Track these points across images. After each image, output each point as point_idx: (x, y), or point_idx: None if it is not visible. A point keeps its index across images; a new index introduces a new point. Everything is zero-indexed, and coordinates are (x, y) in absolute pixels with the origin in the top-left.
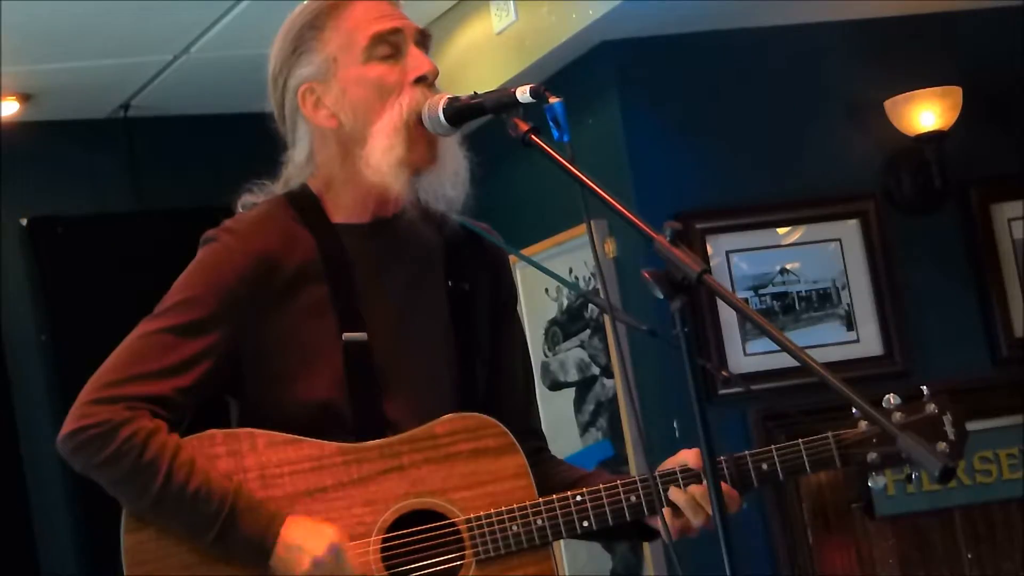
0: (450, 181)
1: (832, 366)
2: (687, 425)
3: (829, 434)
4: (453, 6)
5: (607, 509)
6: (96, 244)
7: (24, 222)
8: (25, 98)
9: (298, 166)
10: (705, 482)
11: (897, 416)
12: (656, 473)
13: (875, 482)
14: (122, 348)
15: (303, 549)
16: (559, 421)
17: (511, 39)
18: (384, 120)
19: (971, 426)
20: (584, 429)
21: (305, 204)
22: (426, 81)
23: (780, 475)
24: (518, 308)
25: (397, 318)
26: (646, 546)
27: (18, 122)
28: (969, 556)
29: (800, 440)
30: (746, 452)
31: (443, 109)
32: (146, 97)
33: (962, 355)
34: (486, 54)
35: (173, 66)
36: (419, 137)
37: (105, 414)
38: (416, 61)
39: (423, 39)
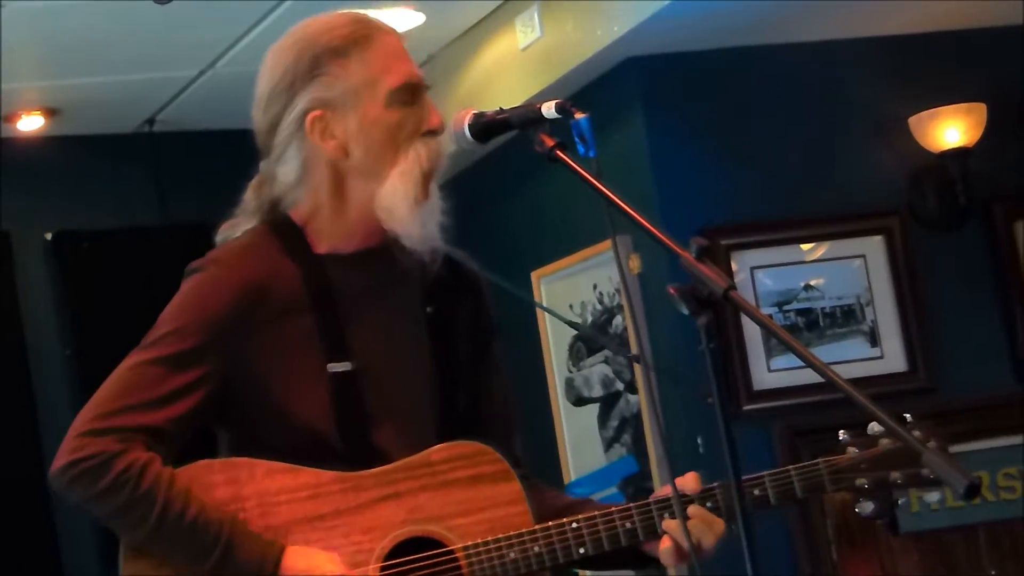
0: (436, 217)
1: (856, 382)
2: (711, 441)
3: (820, 461)
4: (479, 22)
5: (603, 535)
6: (121, 259)
7: (49, 236)
8: (51, 113)
9: (287, 186)
10: (696, 506)
11: (884, 442)
12: (652, 500)
13: (862, 508)
14: (112, 380)
15: (307, 571)
16: (583, 437)
17: (536, 55)
18: (401, 166)
19: (995, 443)
20: (608, 445)
21: (289, 235)
22: (436, 135)
23: (772, 500)
24: (539, 327)
25: (382, 348)
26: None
27: (44, 137)
28: (993, 573)
29: (790, 467)
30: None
31: (469, 125)
32: (171, 112)
33: (986, 371)
34: (511, 70)
35: (199, 81)
36: (427, 182)
37: (98, 446)
38: (430, 114)
39: (426, 89)
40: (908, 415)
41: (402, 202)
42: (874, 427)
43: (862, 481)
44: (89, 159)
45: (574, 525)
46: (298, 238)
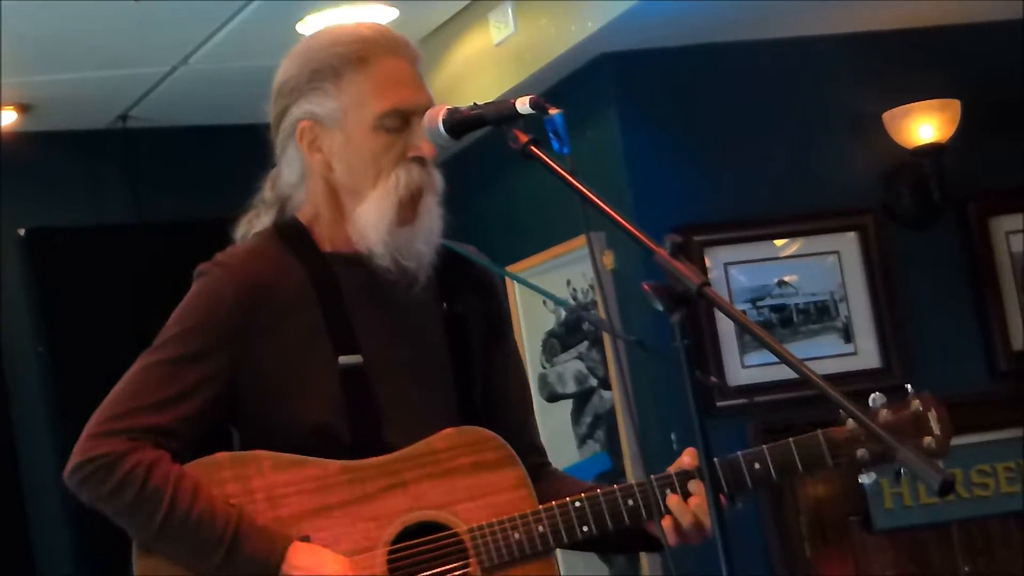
0: (422, 238)
1: (830, 379)
2: (685, 437)
3: (819, 432)
4: (452, 18)
5: (606, 513)
6: (94, 255)
7: (22, 233)
8: (24, 109)
9: (291, 185)
10: (698, 482)
11: (883, 414)
12: (653, 477)
13: (867, 478)
14: (123, 382)
15: (311, 570)
16: (557, 433)
17: (510, 51)
18: (379, 190)
19: (969, 439)
20: (582, 441)
21: (294, 235)
22: (424, 163)
23: (773, 475)
24: (514, 323)
25: (391, 342)
26: (643, 557)
27: (17, 132)
28: (967, 570)
29: (790, 439)
30: (739, 453)
31: (443, 121)
32: (145, 108)
33: (960, 368)
34: (485, 66)
35: (172, 77)
36: (408, 206)
37: (107, 447)
38: (420, 140)
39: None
40: (909, 386)
41: (373, 227)
42: (875, 399)
43: (862, 452)
44: (62, 155)
45: (576, 504)
46: (303, 238)
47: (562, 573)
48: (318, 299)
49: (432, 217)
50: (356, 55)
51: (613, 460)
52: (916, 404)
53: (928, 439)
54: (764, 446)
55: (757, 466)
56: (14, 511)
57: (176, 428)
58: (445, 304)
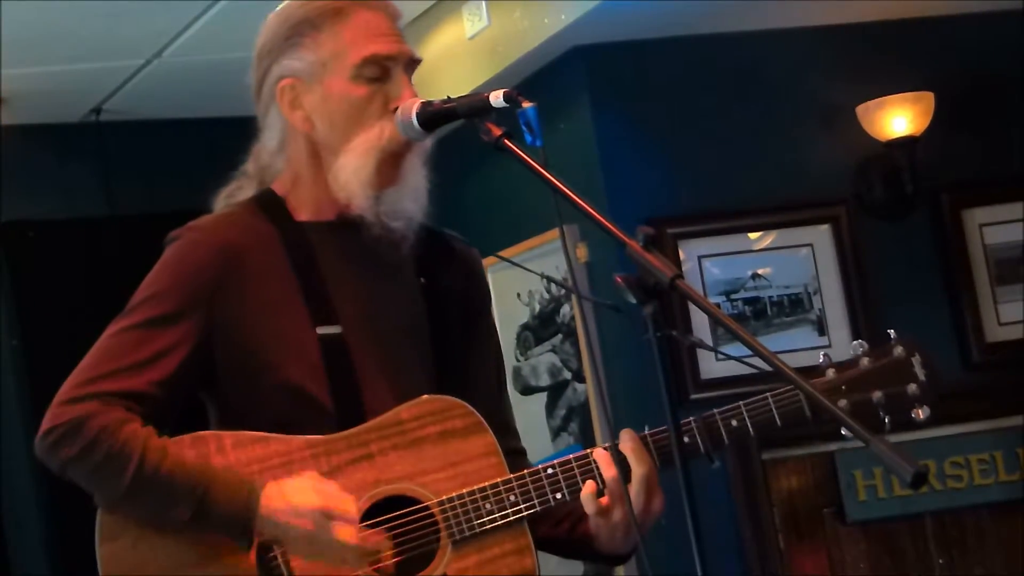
0: (410, 197)
1: (803, 371)
2: None
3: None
4: (425, 10)
5: (579, 479)
6: (68, 249)
7: None
8: None
9: (271, 152)
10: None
11: (865, 361)
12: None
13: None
14: (94, 348)
15: (289, 499)
16: (531, 426)
17: (483, 44)
18: (360, 140)
19: (942, 431)
20: (556, 434)
21: (269, 205)
22: None
23: (751, 430)
24: (492, 309)
25: (368, 311)
26: None
27: None
28: (940, 561)
29: (768, 393)
30: (715, 411)
31: (416, 114)
32: (118, 101)
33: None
34: (458, 59)
35: (145, 70)
36: (390, 160)
37: (76, 412)
38: (401, 90)
39: (412, 64)
40: (892, 331)
41: (352, 178)
42: (855, 347)
43: (844, 404)
44: (35, 149)
45: (549, 471)
46: (278, 207)
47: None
48: (292, 267)
49: (418, 176)
50: (333, 8)
51: None
52: (899, 350)
53: (912, 386)
54: (741, 402)
55: (735, 423)
56: None
57: (149, 392)
58: (423, 278)
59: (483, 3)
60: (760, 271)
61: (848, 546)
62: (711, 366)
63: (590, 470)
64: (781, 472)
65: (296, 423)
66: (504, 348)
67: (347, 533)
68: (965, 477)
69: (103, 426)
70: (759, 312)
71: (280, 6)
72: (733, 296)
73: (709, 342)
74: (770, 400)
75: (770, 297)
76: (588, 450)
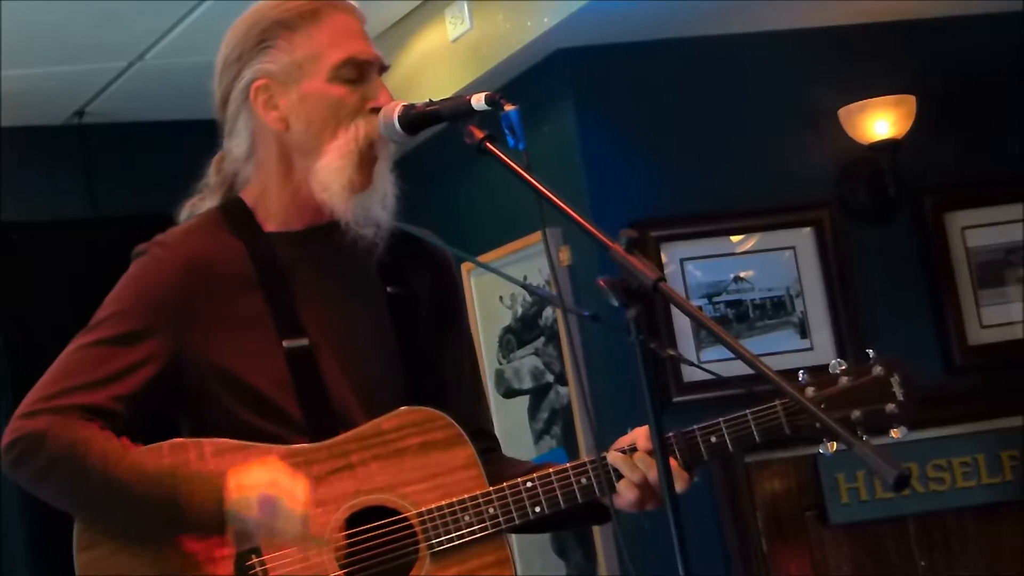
0: (379, 203)
1: (786, 374)
2: None
3: (777, 402)
4: (408, 14)
5: (558, 493)
6: (51, 251)
7: None
8: None
9: (238, 159)
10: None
11: (844, 380)
12: (604, 454)
13: (826, 449)
14: (56, 363)
15: (253, 476)
16: (513, 429)
17: (466, 47)
18: (339, 141)
19: (925, 434)
20: (538, 437)
21: (236, 215)
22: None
23: (729, 446)
24: (470, 319)
25: (336, 324)
26: (599, 552)
27: None
28: (923, 564)
29: (748, 411)
30: (694, 427)
31: (399, 116)
32: (101, 104)
33: (916, 363)
34: (441, 62)
35: (128, 73)
36: (366, 162)
37: (36, 425)
38: (377, 92)
39: (383, 69)
40: (871, 351)
41: (334, 177)
42: (834, 365)
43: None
44: (18, 151)
45: (528, 484)
46: (246, 218)
47: (518, 572)
48: (260, 280)
49: (386, 182)
50: (307, 9)
51: (569, 455)
52: (878, 369)
53: (891, 405)
54: (721, 419)
55: (714, 439)
56: None
57: (111, 407)
58: (389, 287)
59: (466, 6)
60: (743, 274)
61: (831, 548)
62: (694, 369)
63: (568, 482)
64: (764, 475)
65: (266, 436)
66: (487, 351)
67: (296, 502)
68: (948, 480)
69: (58, 435)
70: (741, 315)
71: (244, 14)
72: (716, 299)
73: (692, 345)
74: (749, 417)
75: (752, 300)
76: (566, 464)
